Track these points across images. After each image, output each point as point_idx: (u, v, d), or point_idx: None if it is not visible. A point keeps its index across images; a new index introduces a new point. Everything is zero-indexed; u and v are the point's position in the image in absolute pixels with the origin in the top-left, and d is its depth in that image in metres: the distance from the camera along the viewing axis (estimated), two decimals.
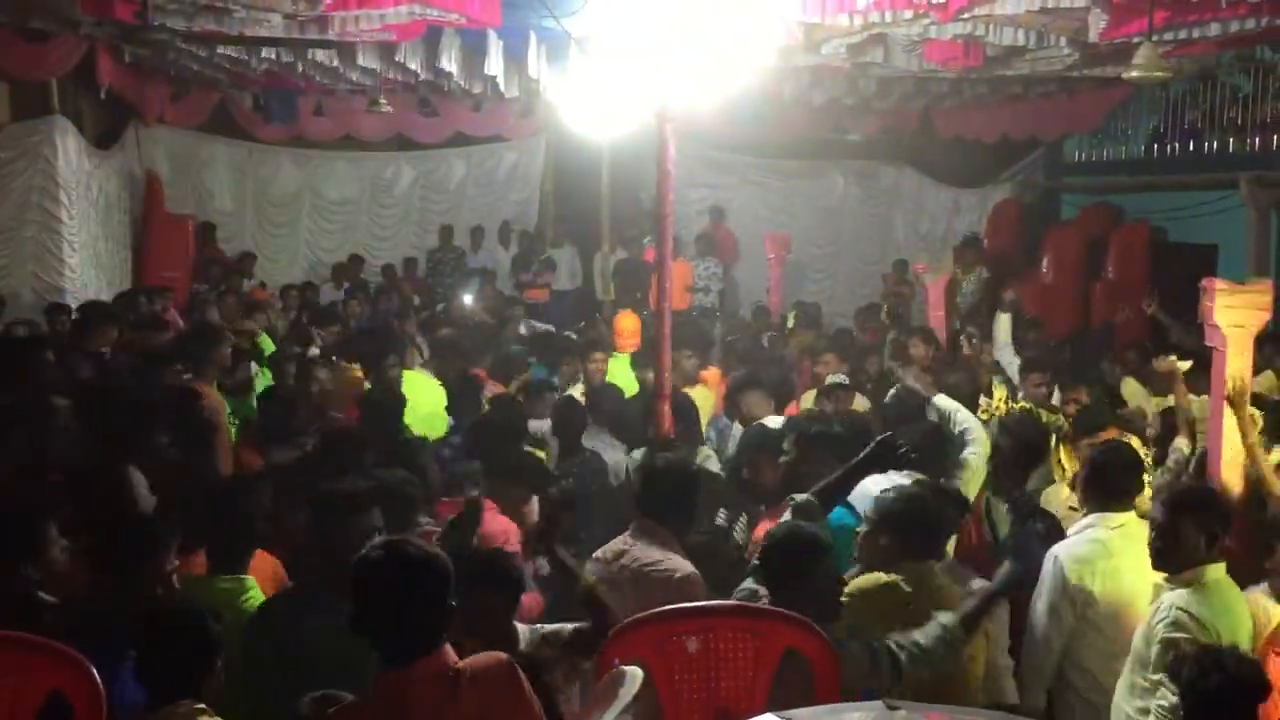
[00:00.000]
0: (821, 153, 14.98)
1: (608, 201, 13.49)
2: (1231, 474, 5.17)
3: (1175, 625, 3.64)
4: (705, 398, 7.61)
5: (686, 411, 5.97)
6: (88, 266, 10.82)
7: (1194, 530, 3.80)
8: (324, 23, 7.95)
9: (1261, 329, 5.31)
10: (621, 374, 7.84)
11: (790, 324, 10.84)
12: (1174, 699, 3.50)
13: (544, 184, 15.77)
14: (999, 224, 13.50)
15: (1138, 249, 11.97)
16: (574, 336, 10.08)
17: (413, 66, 9.75)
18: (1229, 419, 5.17)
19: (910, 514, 3.95)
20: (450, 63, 9.58)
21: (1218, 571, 3.81)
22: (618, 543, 4.08)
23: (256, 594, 3.74)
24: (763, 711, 2.91)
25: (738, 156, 15.10)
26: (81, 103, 11.04)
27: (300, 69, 10.29)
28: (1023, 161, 14.02)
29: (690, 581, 3.82)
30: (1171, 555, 3.82)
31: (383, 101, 11.49)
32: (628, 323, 9.72)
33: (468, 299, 12.35)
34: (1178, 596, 3.72)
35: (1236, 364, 5.27)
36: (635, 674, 2.80)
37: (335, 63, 9.97)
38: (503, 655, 2.75)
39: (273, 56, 9.69)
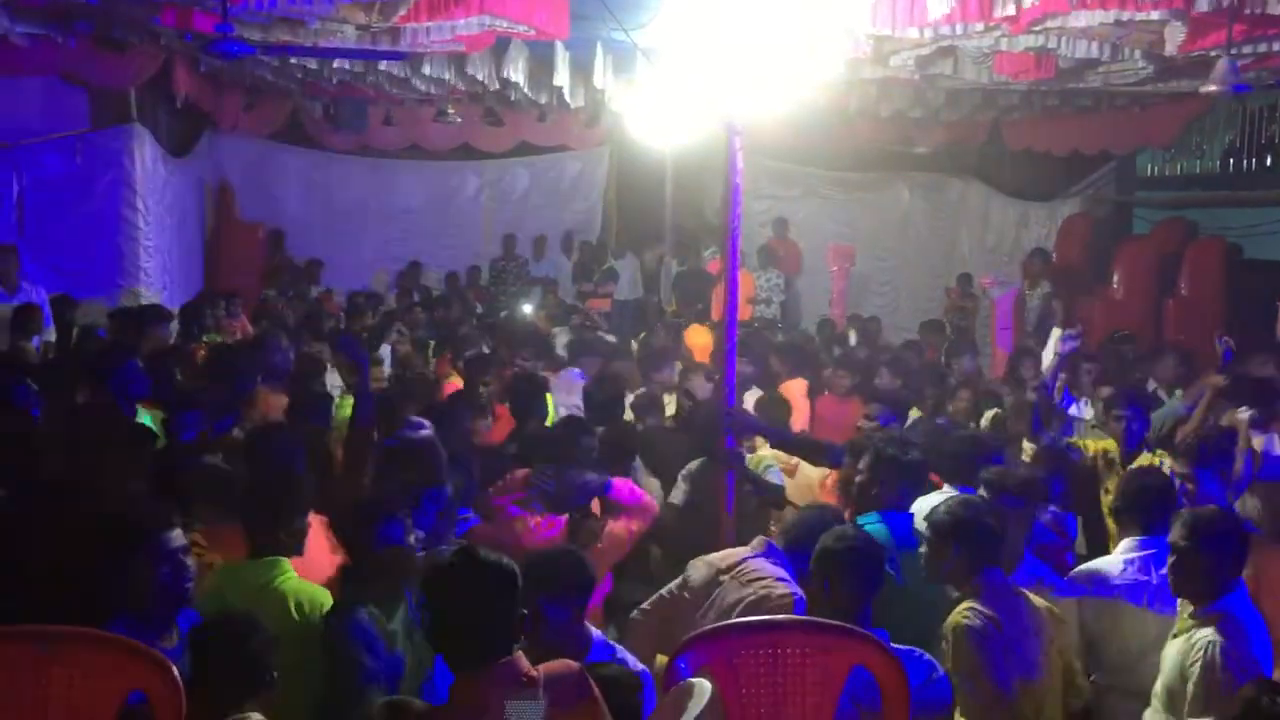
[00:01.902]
0: (887, 165, 14.87)
1: (670, 212, 13.51)
2: None
3: (1214, 666, 3.55)
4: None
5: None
6: (162, 272, 11.05)
7: (1217, 557, 3.72)
8: (396, 34, 8.05)
9: None
10: None
11: (852, 340, 10.76)
12: None
13: (607, 194, 15.85)
14: (1068, 238, 13.28)
15: (1212, 266, 11.72)
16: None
17: (480, 77, 9.84)
18: None
19: (976, 523, 3.92)
20: (517, 73, 9.67)
21: (1241, 600, 3.74)
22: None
23: (290, 576, 3.75)
24: None
25: (802, 168, 15.05)
26: (159, 111, 11.28)
27: (370, 79, 10.44)
28: (1093, 175, 13.78)
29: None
30: (1192, 581, 3.74)
31: (451, 111, 11.63)
32: (700, 338, 9.70)
33: (529, 308, 12.44)
34: (1216, 632, 3.62)
35: None
36: (705, 686, 2.79)
37: (405, 73, 10.10)
38: (574, 663, 2.77)
39: (345, 66, 9.85)
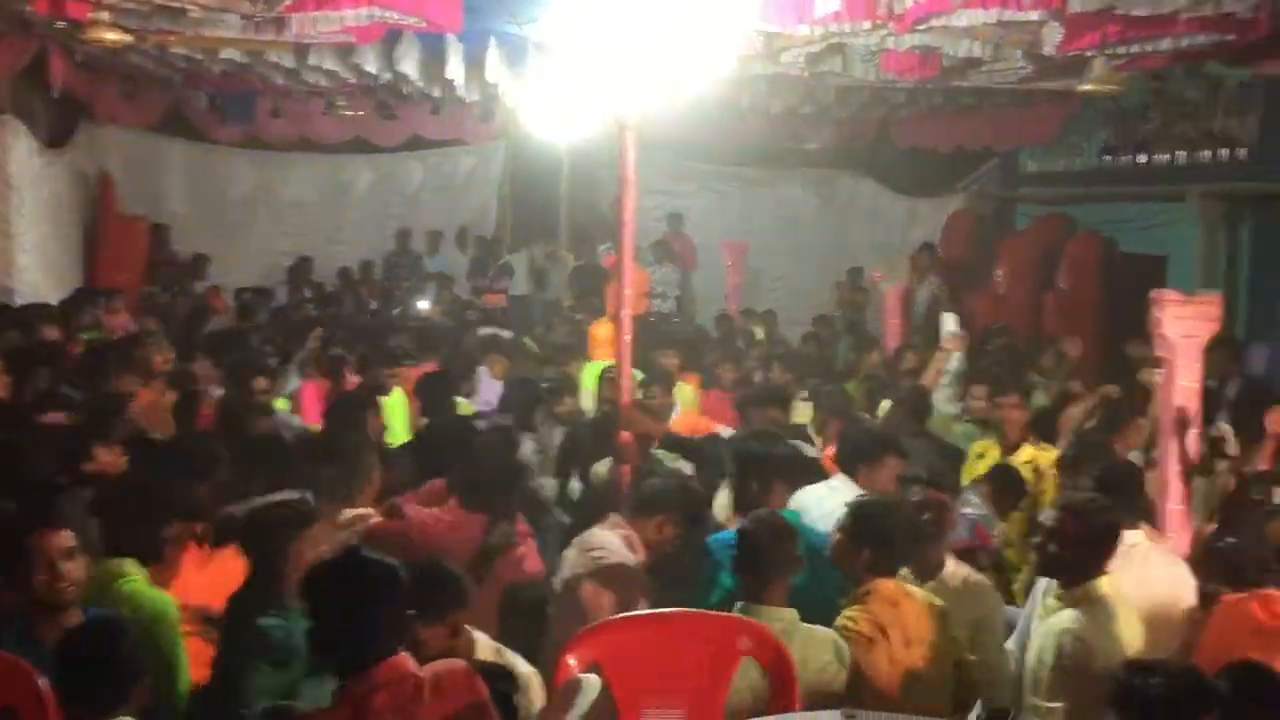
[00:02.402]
0: (779, 161, 15.05)
1: (565, 207, 13.49)
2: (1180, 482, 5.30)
3: (1063, 652, 3.66)
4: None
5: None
6: (37, 269, 10.66)
7: (1085, 540, 3.84)
8: (281, 24, 7.88)
9: (1210, 338, 5.44)
10: (590, 383, 7.79)
11: (759, 335, 10.88)
12: None
13: (502, 189, 15.75)
14: (954, 234, 13.63)
15: (1090, 260, 12.13)
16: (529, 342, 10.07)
17: (371, 69, 9.69)
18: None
19: (890, 526, 3.96)
20: (409, 66, 9.55)
21: (1109, 585, 3.83)
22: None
23: (133, 580, 3.67)
24: (719, 718, 2.92)
25: (696, 164, 15.16)
26: (34, 102, 10.87)
27: (257, 70, 10.20)
28: (977, 172, 14.17)
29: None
30: (1059, 562, 3.87)
31: (341, 104, 11.43)
32: (604, 331, 9.70)
33: (424, 303, 12.31)
34: (1069, 618, 3.73)
35: (1187, 375, 5.38)
36: (592, 682, 2.80)
37: (292, 64, 9.89)
38: (462, 663, 2.75)
39: (229, 57, 9.60)
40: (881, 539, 3.89)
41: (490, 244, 15.09)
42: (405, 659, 2.65)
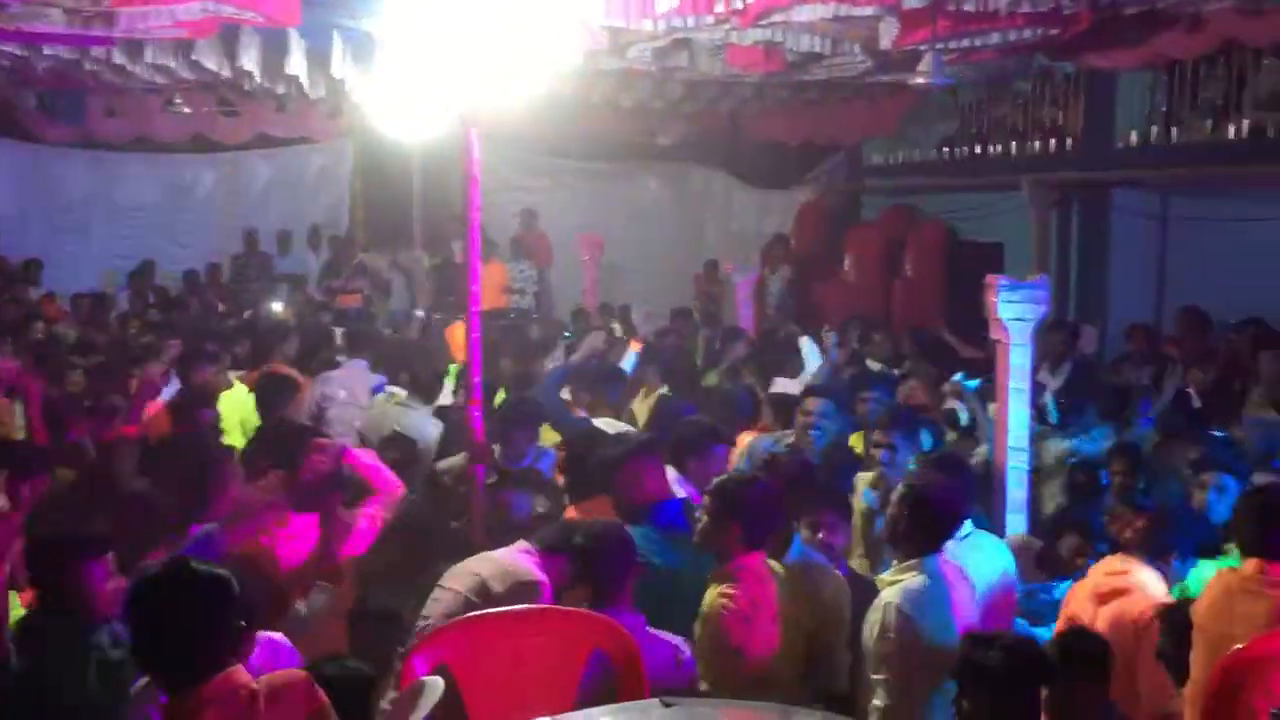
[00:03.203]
0: (633, 155, 15.13)
1: (419, 205, 13.31)
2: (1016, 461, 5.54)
3: (889, 626, 3.78)
4: None
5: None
6: None
7: (924, 514, 4.00)
8: (110, 19, 7.57)
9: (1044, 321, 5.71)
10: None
11: (618, 331, 10.89)
12: (886, 702, 3.73)
13: (354, 187, 15.44)
14: (804, 225, 13.94)
15: (933, 248, 12.55)
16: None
17: (209, 65, 9.38)
18: (1014, 405, 5.52)
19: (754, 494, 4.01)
20: (250, 62, 9.27)
21: (935, 563, 3.96)
22: None
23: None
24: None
25: (549, 159, 15.12)
26: None
27: (87, 67, 9.77)
28: (825, 164, 14.51)
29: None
30: (902, 539, 4.02)
31: (178, 101, 11.05)
32: (462, 334, 9.58)
33: (277, 305, 11.98)
34: (894, 593, 3.86)
35: (1019, 355, 5.62)
36: (435, 684, 2.77)
37: (125, 61, 9.50)
38: (300, 673, 2.68)
39: (55, 53, 9.17)
40: (748, 511, 3.94)
41: (343, 243, 14.77)
42: (238, 672, 2.57)
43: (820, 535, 4.38)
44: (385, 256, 13.86)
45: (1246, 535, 3.83)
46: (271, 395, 6.32)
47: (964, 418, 6.88)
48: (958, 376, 7.02)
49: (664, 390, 7.49)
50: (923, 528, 3.99)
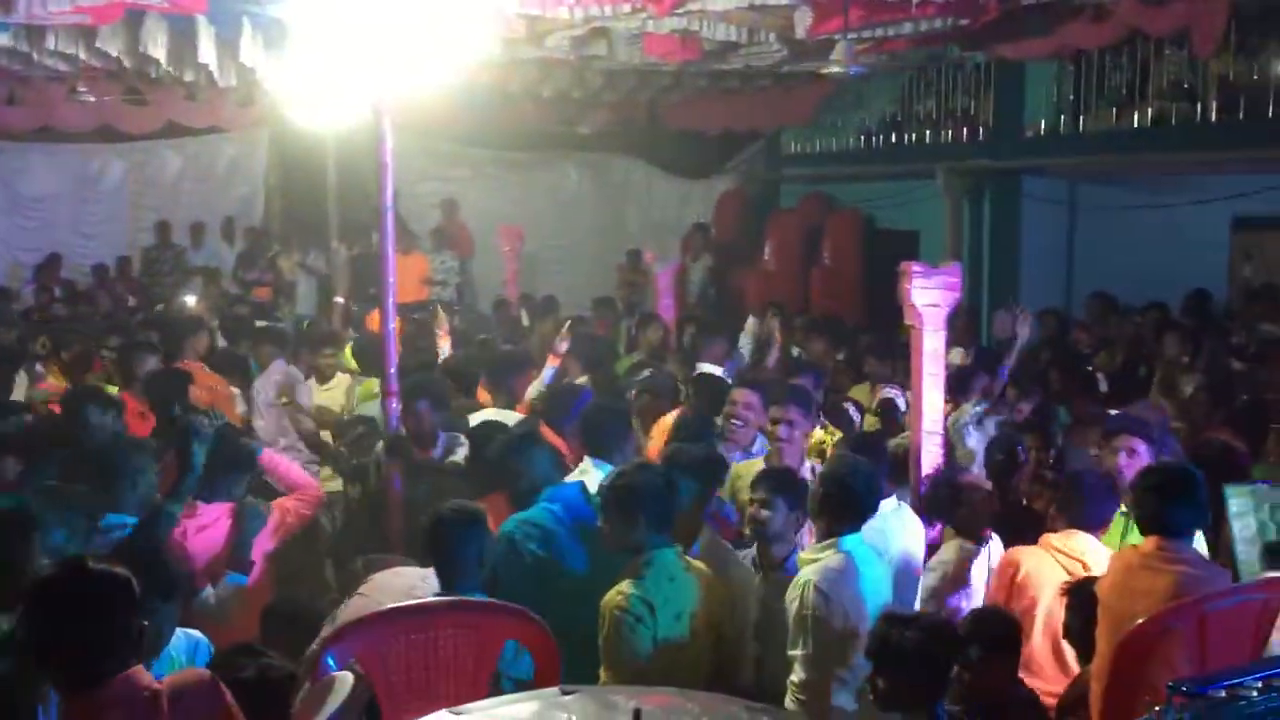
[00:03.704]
0: (553, 145, 15.08)
1: (335, 196, 13.11)
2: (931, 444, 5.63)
3: (808, 603, 3.85)
4: None
5: None
6: None
7: (841, 495, 4.10)
8: (8, 3, 7.33)
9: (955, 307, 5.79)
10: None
11: (526, 322, 10.85)
12: (803, 676, 3.81)
13: (268, 178, 15.17)
14: (724, 214, 14.01)
15: (850, 236, 12.70)
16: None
17: (114, 53, 9.13)
18: (928, 390, 5.60)
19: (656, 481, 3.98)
20: (157, 48, 9.03)
21: (853, 542, 4.07)
22: None
23: None
24: None
25: (469, 149, 15.01)
26: None
27: None
28: (744, 153, 14.60)
29: None
30: (822, 519, 4.13)
31: (83, 90, 10.75)
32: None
33: (190, 299, 11.73)
34: (813, 571, 3.94)
35: (933, 340, 5.70)
36: (345, 679, 2.74)
37: (24, 47, 9.21)
38: (206, 672, 2.63)
39: None
40: (652, 500, 3.90)
41: (258, 235, 14.50)
42: (139, 672, 2.51)
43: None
44: (293, 258, 13.63)
45: (1145, 513, 3.93)
46: (160, 390, 6.22)
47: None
48: None
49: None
50: (841, 507, 4.08)
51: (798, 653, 3.85)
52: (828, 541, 4.04)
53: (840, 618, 3.83)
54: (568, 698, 2.63)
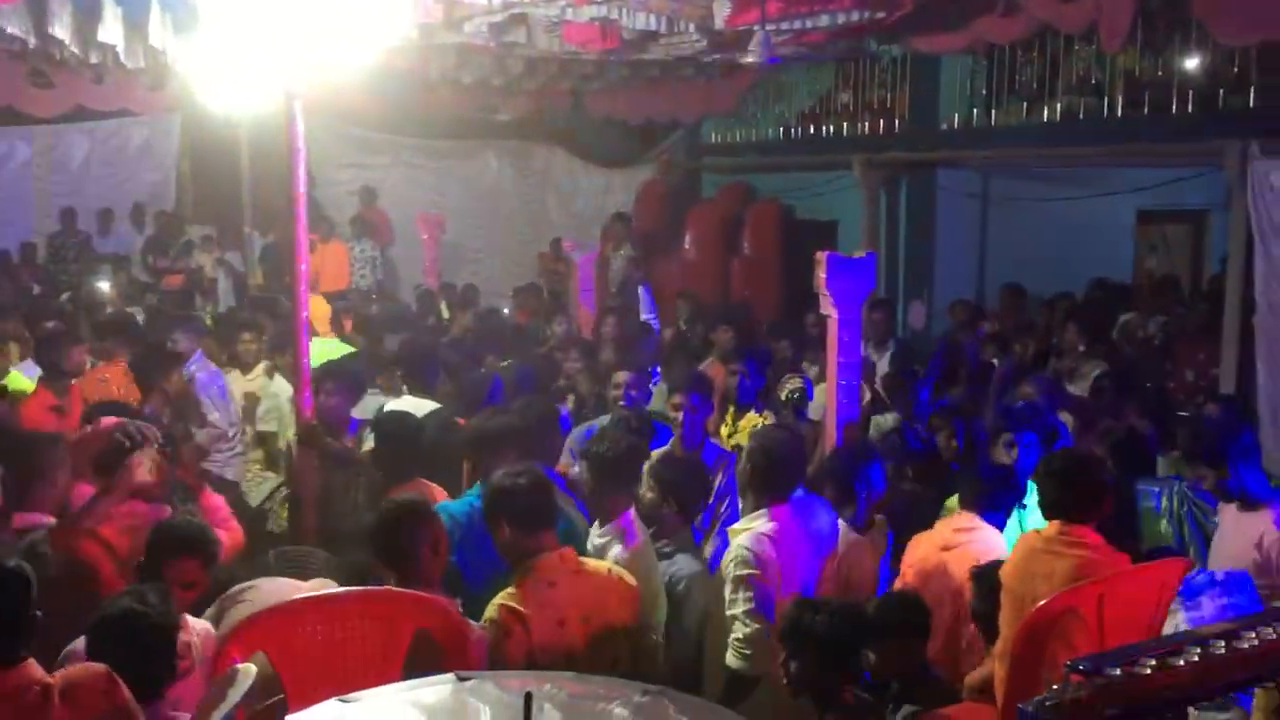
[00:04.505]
0: (474, 133, 14.95)
1: (249, 182, 12.87)
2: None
3: (742, 562, 4.10)
4: None
5: None
6: None
7: (771, 469, 4.32)
8: None
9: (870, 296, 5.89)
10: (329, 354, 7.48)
11: (444, 311, 10.76)
12: (746, 630, 3.99)
13: (181, 163, 14.84)
14: (645, 203, 14.02)
15: (770, 226, 12.79)
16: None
17: (16, 33, 8.85)
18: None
19: (520, 493, 3.82)
20: (61, 29, 8.77)
21: (781, 512, 4.29)
22: None
23: None
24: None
25: (389, 136, 14.83)
26: None
27: None
28: (665, 142, 14.62)
29: None
30: (752, 486, 4.36)
31: None
32: (319, 308, 9.37)
33: (104, 285, 11.43)
34: (744, 537, 4.18)
35: (846, 330, 5.77)
36: (248, 671, 2.70)
37: None
38: (101, 667, 2.57)
39: None
40: (512, 510, 3.76)
41: (169, 220, 14.17)
42: (29, 666, 2.45)
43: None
44: (213, 254, 13.35)
45: (1047, 498, 4.03)
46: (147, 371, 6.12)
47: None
48: None
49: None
50: (769, 479, 4.30)
51: (736, 611, 4.04)
52: (759, 511, 4.26)
53: (773, 576, 4.05)
54: (464, 683, 2.62)
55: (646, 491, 4.50)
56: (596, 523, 4.38)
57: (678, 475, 4.64)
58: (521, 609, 3.56)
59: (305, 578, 3.91)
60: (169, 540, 3.56)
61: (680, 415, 5.53)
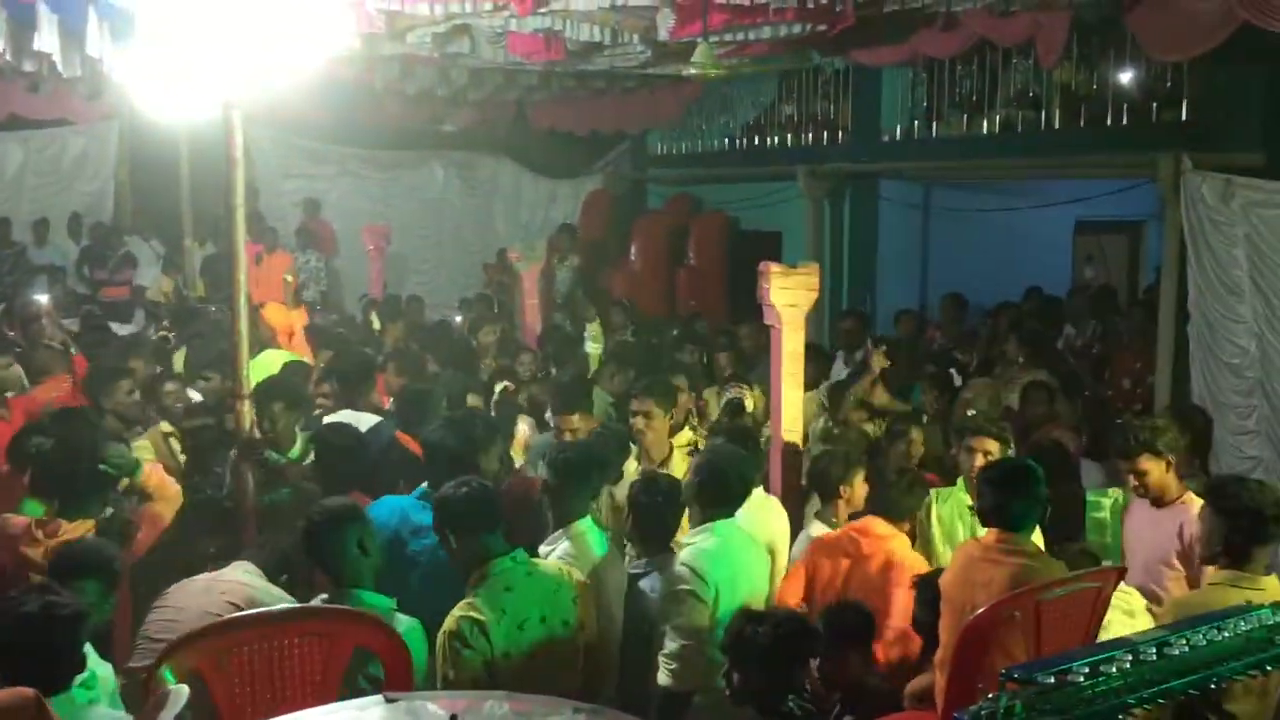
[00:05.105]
0: (419, 143, 14.89)
1: (188, 192, 12.69)
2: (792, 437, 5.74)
3: (679, 579, 4.05)
4: None
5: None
6: None
7: (715, 485, 4.29)
8: None
9: (811, 307, 5.90)
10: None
11: (375, 324, 10.66)
12: (673, 645, 3.97)
13: (119, 172, 14.59)
14: (591, 214, 14.03)
15: (715, 237, 12.85)
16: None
17: None
18: (788, 388, 5.71)
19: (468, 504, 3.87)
20: None
21: (727, 527, 4.28)
22: None
23: None
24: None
25: (334, 147, 14.71)
26: None
27: None
28: (611, 154, 14.64)
29: None
30: (698, 502, 4.34)
31: None
32: (279, 318, 9.25)
33: (42, 298, 11.19)
34: (686, 553, 4.15)
35: (792, 340, 5.80)
36: (180, 692, 2.65)
37: None
38: (29, 692, 2.50)
39: None
40: (456, 518, 3.78)
41: (107, 231, 13.93)
42: None
43: None
44: (170, 276, 13.12)
45: (985, 506, 4.07)
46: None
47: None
48: None
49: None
50: (714, 494, 4.27)
51: (667, 626, 4.00)
52: (702, 526, 4.22)
53: (712, 593, 4.00)
54: (388, 705, 2.58)
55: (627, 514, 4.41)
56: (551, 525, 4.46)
57: (652, 499, 4.56)
58: (481, 617, 3.56)
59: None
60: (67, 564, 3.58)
61: (637, 421, 5.55)
